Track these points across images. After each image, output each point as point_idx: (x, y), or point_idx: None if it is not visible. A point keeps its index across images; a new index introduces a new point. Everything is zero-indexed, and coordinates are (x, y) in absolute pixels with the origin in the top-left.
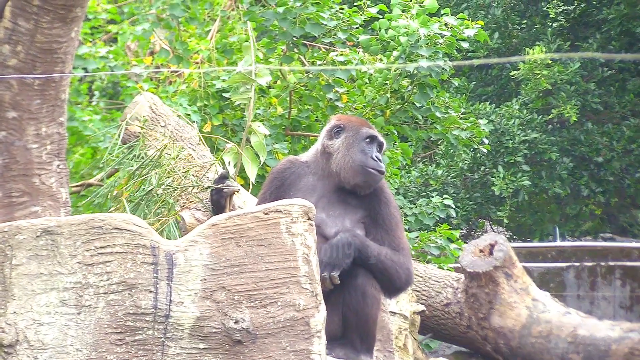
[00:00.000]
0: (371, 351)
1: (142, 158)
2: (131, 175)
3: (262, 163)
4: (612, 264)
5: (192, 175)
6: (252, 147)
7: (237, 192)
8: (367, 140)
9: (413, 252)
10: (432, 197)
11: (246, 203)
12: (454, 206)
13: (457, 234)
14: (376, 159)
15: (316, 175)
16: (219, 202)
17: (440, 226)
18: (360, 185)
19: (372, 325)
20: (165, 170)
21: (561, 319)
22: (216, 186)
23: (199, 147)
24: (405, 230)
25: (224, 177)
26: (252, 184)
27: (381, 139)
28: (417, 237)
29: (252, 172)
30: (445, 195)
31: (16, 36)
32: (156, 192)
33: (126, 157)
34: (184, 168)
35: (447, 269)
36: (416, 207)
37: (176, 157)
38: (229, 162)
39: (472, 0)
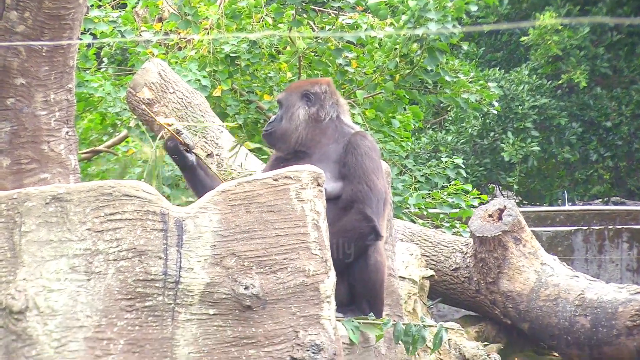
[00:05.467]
0: (380, 315)
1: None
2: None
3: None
4: (619, 227)
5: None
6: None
7: (187, 144)
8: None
9: (425, 212)
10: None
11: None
12: (463, 167)
13: (469, 187)
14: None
15: None
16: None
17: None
18: None
19: (380, 289)
20: None
21: (569, 282)
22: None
23: (208, 113)
24: (415, 189)
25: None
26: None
27: (281, 98)
28: (429, 195)
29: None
30: (455, 156)
31: (24, 2)
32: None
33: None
34: None
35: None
36: (427, 167)
37: None
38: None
39: None
